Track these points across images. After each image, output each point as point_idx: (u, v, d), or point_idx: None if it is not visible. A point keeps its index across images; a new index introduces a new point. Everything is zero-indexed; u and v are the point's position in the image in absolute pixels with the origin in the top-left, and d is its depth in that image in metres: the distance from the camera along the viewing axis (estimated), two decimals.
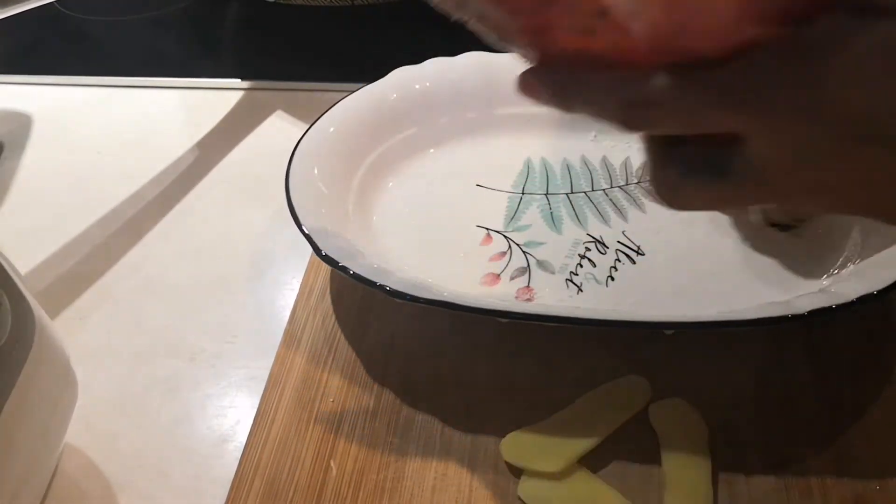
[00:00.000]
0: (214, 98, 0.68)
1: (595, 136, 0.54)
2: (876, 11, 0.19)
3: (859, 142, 0.20)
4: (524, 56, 0.27)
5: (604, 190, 0.51)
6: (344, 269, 0.41)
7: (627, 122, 0.24)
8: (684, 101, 0.22)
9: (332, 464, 0.39)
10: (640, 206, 0.50)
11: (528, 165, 0.53)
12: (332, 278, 0.48)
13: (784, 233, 0.29)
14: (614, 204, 0.50)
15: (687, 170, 0.24)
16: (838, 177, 0.22)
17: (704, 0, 0.20)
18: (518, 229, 0.49)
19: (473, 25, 0.26)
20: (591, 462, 0.38)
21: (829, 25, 0.20)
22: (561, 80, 0.25)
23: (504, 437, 0.38)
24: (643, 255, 0.47)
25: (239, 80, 0.70)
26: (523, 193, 0.51)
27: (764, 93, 0.21)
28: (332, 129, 0.51)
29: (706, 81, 0.21)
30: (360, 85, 0.53)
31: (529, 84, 0.27)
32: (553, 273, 0.46)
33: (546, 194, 0.51)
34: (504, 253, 0.48)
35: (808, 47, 0.20)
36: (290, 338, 0.45)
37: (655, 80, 0.22)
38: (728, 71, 0.21)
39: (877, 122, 0.20)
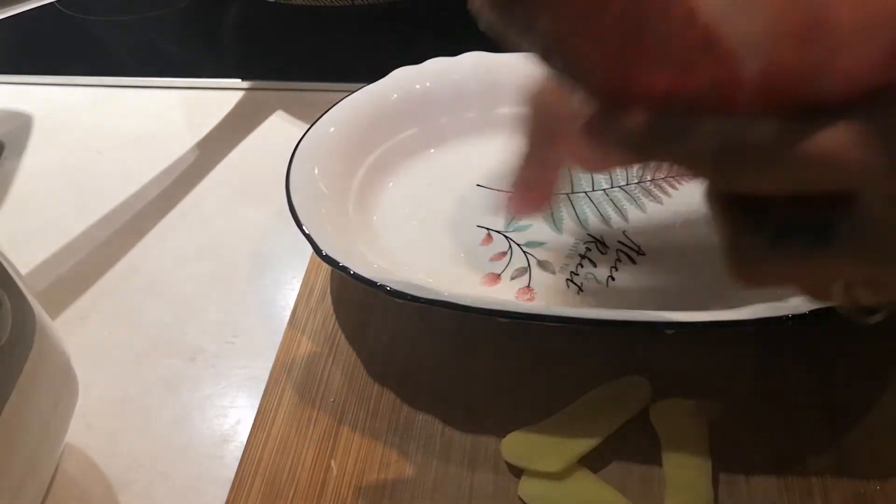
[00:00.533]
0: (215, 98, 0.68)
1: None
2: None
3: None
4: (590, 97, 0.22)
5: (604, 190, 0.51)
6: (344, 269, 0.41)
7: (723, 172, 0.20)
8: (799, 150, 0.18)
9: (332, 463, 0.39)
10: (640, 206, 0.50)
11: None
12: (333, 278, 0.48)
13: (867, 321, 0.24)
14: (615, 204, 0.50)
15: (777, 238, 0.21)
16: None
17: (851, 37, 0.17)
18: (518, 229, 0.49)
19: (536, 55, 0.22)
20: (592, 462, 0.38)
21: None
22: (637, 129, 0.21)
23: (504, 436, 0.38)
24: (644, 255, 0.47)
25: (239, 80, 0.70)
26: None
27: (892, 142, 0.17)
28: (332, 129, 0.51)
29: (838, 131, 0.18)
30: (361, 85, 0.53)
31: (597, 134, 0.22)
32: (553, 273, 0.46)
33: None
34: (504, 253, 0.48)
35: None
36: (291, 338, 0.45)
37: (765, 126, 0.19)
38: (860, 119, 0.18)
39: None
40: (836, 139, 0.18)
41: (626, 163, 0.21)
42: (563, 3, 0.19)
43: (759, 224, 0.21)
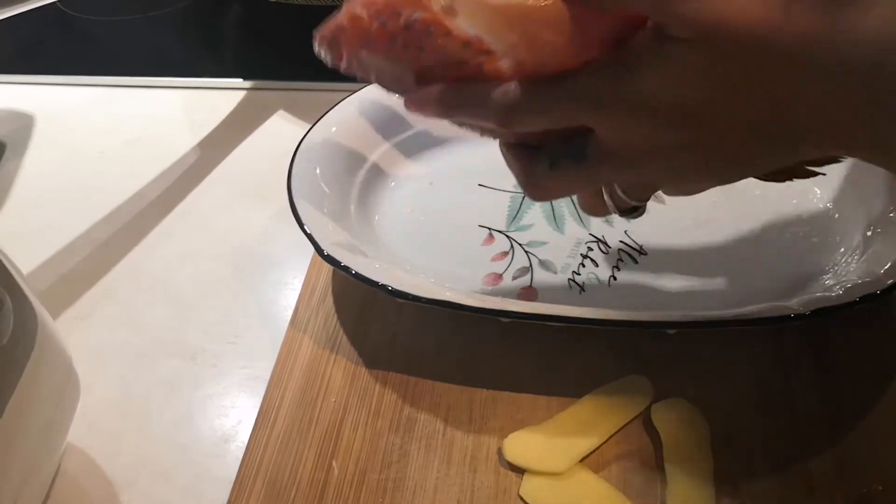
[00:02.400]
0: (216, 98, 0.68)
1: None
2: (669, 37, 0.26)
3: (669, 128, 0.28)
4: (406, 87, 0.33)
5: None
6: (346, 268, 0.41)
7: (504, 123, 0.31)
8: (541, 100, 0.29)
9: (333, 464, 0.39)
10: None
11: None
12: (335, 278, 0.48)
13: (632, 216, 0.35)
14: None
15: (551, 163, 0.31)
16: (661, 150, 0.29)
17: (557, 40, 0.28)
18: (520, 229, 0.49)
19: (369, 78, 0.33)
20: (594, 462, 0.38)
21: (638, 46, 0.27)
22: (440, 97, 0.32)
23: (506, 436, 0.38)
24: (646, 254, 0.46)
25: (241, 80, 0.70)
26: None
27: (603, 95, 0.28)
28: (333, 129, 0.51)
29: (563, 89, 0.29)
30: (362, 85, 0.53)
31: (415, 102, 0.33)
32: (555, 273, 0.46)
33: None
34: (506, 253, 0.48)
35: (627, 63, 0.27)
36: (292, 338, 0.45)
37: (522, 90, 0.29)
38: (577, 82, 0.28)
39: (682, 115, 0.28)
40: (570, 94, 0.29)
41: (439, 117, 0.33)
42: (368, 45, 0.31)
43: (538, 156, 0.32)
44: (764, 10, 0.25)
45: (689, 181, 0.32)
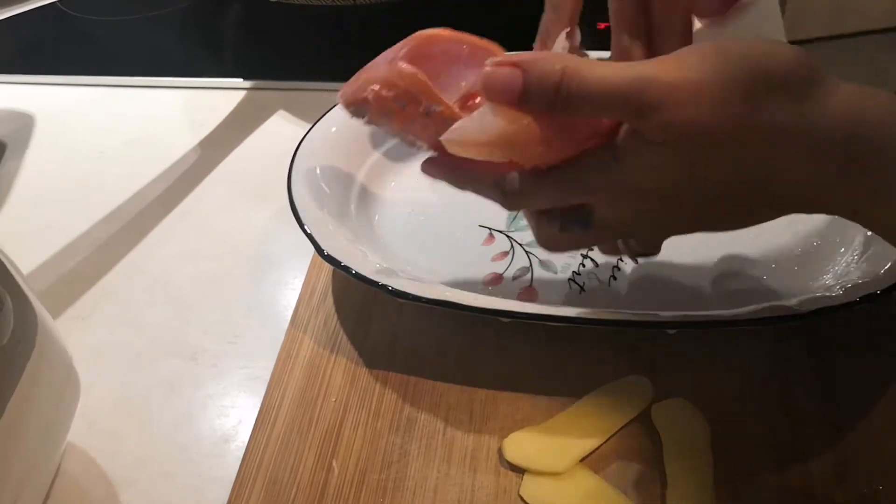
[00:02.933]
0: (216, 98, 0.68)
1: None
2: (646, 140, 0.30)
3: (653, 203, 0.32)
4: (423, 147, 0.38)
5: None
6: (346, 268, 0.41)
7: (506, 204, 0.36)
8: (543, 190, 0.34)
9: (334, 464, 0.39)
10: None
11: None
12: (335, 278, 0.48)
13: (647, 258, 0.39)
14: None
15: (561, 226, 0.35)
16: (651, 220, 0.34)
17: (547, 150, 0.32)
18: (521, 229, 0.49)
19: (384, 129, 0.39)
20: (594, 462, 0.38)
21: (622, 144, 0.31)
22: (452, 172, 0.37)
23: (507, 436, 0.39)
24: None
25: (241, 80, 0.70)
26: None
27: (594, 183, 0.33)
28: (334, 129, 0.51)
29: (559, 180, 0.33)
30: None
31: (428, 170, 0.38)
32: (555, 273, 0.46)
33: None
34: (506, 253, 0.48)
35: (614, 156, 0.32)
36: (293, 338, 0.45)
37: (521, 179, 0.34)
38: (571, 174, 0.33)
39: (662, 196, 0.32)
40: (564, 183, 0.33)
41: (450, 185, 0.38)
42: (390, 118, 0.37)
43: (550, 217, 0.35)
44: (727, 116, 0.29)
45: (684, 233, 0.36)
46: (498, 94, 0.31)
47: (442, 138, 0.32)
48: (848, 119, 0.28)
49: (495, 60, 0.31)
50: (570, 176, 0.33)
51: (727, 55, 0.29)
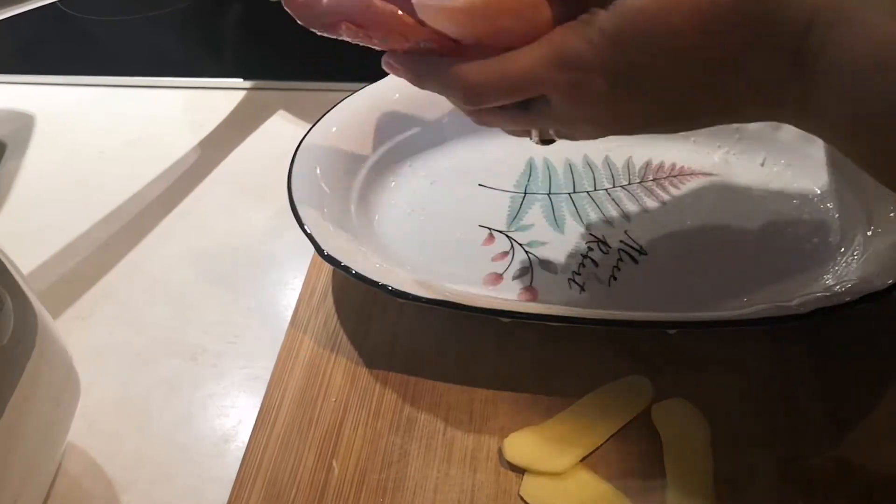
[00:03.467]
0: (216, 98, 0.68)
1: None
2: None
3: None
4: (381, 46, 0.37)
5: (606, 189, 0.51)
6: (346, 268, 0.41)
7: (467, 97, 0.35)
8: (507, 82, 0.34)
9: (334, 463, 0.39)
10: (642, 206, 0.50)
11: (530, 165, 0.53)
12: (335, 278, 0.48)
13: (547, 144, 0.41)
14: (617, 204, 0.50)
15: (501, 108, 0.35)
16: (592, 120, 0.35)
17: (515, 24, 0.33)
18: (520, 229, 0.49)
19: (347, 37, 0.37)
20: (594, 462, 0.38)
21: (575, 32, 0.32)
22: (415, 63, 0.36)
23: (507, 436, 0.39)
24: (646, 254, 0.46)
25: (241, 80, 0.70)
26: (526, 193, 0.51)
27: (558, 80, 0.33)
28: (334, 129, 0.51)
29: (521, 71, 0.33)
30: (363, 84, 0.53)
31: (391, 62, 0.37)
32: (556, 273, 0.46)
33: (548, 194, 0.51)
34: (506, 253, 0.48)
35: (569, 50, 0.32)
36: (293, 338, 0.45)
37: (486, 67, 0.34)
38: (538, 66, 0.33)
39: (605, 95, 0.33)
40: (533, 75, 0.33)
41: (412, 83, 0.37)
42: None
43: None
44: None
45: (621, 132, 0.36)
46: None
47: (415, 2, 0.33)
48: (808, 8, 0.28)
49: None
50: (539, 70, 0.33)
51: None
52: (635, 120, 0.34)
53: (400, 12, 0.34)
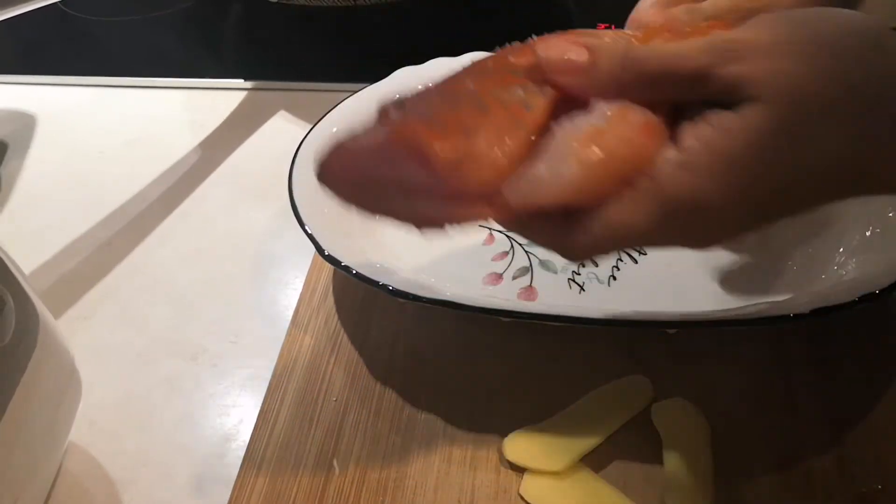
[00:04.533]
0: (217, 98, 0.68)
1: None
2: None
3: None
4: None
5: None
6: (347, 268, 0.41)
7: (573, 254, 0.31)
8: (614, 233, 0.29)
9: (334, 463, 0.39)
10: None
11: None
12: (335, 278, 0.48)
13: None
14: None
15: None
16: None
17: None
18: None
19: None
20: (594, 461, 0.38)
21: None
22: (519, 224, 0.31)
23: (507, 436, 0.39)
24: (645, 254, 0.47)
25: (242, 81, 0.70)
26: None
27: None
28: (335, 130, 0.51)
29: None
30: (363, 85, 0.53)
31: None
32: (555, 273, 0.46)
33: None
34: (506, 252, 0.48)
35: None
36: (293, 337, 0.45)
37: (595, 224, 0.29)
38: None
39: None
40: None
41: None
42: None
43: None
44: (821, 70, 0.25)
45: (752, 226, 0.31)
46: (560, 67, 0.28)
47: (508, 194, 0.28)
48: None
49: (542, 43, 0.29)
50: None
51: (795, 15, 0.27)
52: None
53: None
